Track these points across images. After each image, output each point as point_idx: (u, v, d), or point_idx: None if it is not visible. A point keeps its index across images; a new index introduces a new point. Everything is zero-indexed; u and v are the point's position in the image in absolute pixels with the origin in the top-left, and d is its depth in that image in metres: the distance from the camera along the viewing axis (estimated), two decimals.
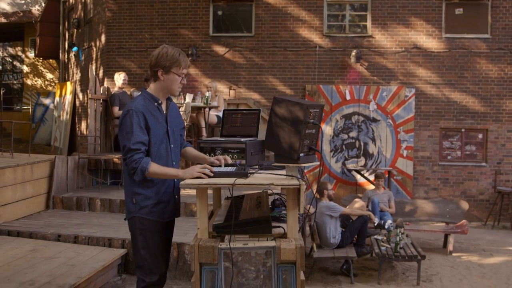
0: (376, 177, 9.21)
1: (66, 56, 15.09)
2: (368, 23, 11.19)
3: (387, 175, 10.75)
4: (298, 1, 11.31)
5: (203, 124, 8.49)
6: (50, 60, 16.70)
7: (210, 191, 3.57)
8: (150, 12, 11.80)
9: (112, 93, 8.47)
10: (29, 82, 17.39)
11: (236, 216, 3.06)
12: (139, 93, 8.72)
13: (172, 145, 3.34)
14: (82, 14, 13.79)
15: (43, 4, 15.99)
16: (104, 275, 4.76)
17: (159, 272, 3.25)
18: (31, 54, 17.26)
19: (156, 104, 3.26)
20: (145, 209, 3.19)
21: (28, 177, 6.60)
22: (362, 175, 10.82)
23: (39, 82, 17.34)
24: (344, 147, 11.19)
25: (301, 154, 2.77)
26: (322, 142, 11.14)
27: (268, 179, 2.85)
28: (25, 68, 17.54)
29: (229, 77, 11.56)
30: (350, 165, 11.08)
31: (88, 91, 8.57)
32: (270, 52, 11.45)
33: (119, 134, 3.18)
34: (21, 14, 17.14)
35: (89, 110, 8.55)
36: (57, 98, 14.63)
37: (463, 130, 11.06)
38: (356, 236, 7.40)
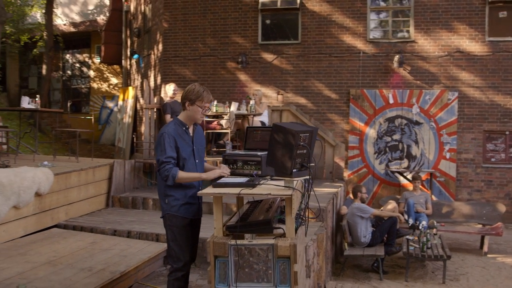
0: (413, 179, 9.60)
1: (128, 62, 16.21)
2: (411, 29, 11.50)
3: (429, 177, 11.07)
4: (342, 8, 11.78)
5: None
6: (114, 66, 17.92)
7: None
8: (203, 22, 12.62)
9: (165, 102, 9.31)
10: (95, 86, 18.72)
11: (247, 218, 3.72)
12: None
13: (197, 160, 4.10)
14: (142, 24, 14.83)
15: (108, 14, 17.19)
16: (151, 265, 5.54)
17: (184, 260, 4.00)
18: (97, 61, 18.56)
19: (184, 128, 4.04)
20: (174, 208, 3.98)
21: (90, 179, 7.54)
22: (405, 177, 11.16)
23: (104, 86, 18.63)
24: (387, 149, 11.57)
25: (294, 170, 3.40)
26: (366, 144, 11.59)
27: (269, 189, 3.49)
28: (92, 73, 18.88)
29: (277, 83, 12.19)
30: (393, 167, 11.45)
31: (143, 101, 9.45)
32: (316, 58, 11.98)
33: (155, 150, 3.99)
34: (88, 23, 18.49)
35: (144, 118, 9.44)
36: (120, 102, 15.74)
37: (507, 132, 11.17)
38: (386, 236, 7.86)
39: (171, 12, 12.83)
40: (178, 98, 10.96)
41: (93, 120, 9.84)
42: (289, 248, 3.39)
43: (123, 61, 16.45)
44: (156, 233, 6.15)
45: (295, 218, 3.86)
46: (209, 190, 3.58)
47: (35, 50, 18.47)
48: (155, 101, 9.98)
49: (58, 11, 18.46)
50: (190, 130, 4.12)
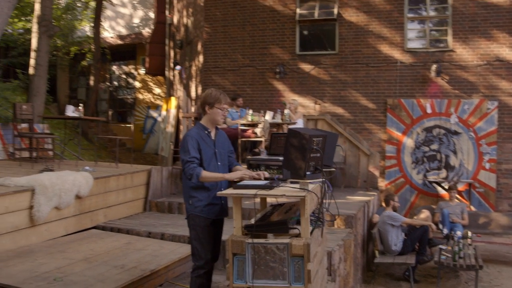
0: (449, 188, 9.53)
1: (171, 73, 16.69)
2: (449, 38, 11.44)
3: (468, 188, 10.95)
4: (379, 19, 11.84)
5: None
6: (158, 76, 18.47)
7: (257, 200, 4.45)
8: (242, 34, 12.93)
9: None
10: (140, 96, 19.33)
11: (266, 219, 3.91)
12: (229, 110, 9.81)
13: (219, 163, 4.31)
14: (184, 36, 15.28)
15: (152, 27, 17.77)
16: (182, 266, 5.77)
17: (205, 258, 4.22)
18: (142, 72, 19.19)
19: (206, 132, 4.28)
20: (198, 208, 4.20)
21: (129, 184, 7.88)
22: (442, 187, 11.06)
23: (149, 96, 19.22)
24: (425, 159, 11.50)
25: (308, 173, 3.57)
26: (403, 154, 11.57)
27: (284, 191, 3.67)
28: (137, 84, 19.52)
29: (315, 93, 12.33)
30: (431, 177, 11.36)
31: (181, 110, 9.80)
32: (353, 68, 12.07)
33: (180, 151, 4.24)
34: (134, 36, 19.16)
35: (181, 126, 9.77)
36: (163, 112, 16.22)
37: None
38: (418, 244, 7.86)
39: (211, 24, 13.21)
40: None
41: (132, 128, 10.25)
42: (302, 247, 3.54)
43: (166, 72, 16.94)
44: (188, 236, 6.38)
45: (313, 220, 4.03)
46: (228, 191, 3.79)
47: (83, 62, 19.28)
48: (193, 110, 10.32)
49: (105, 24, 19.21)
50: (212, 134, 4.34)
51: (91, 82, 17.89)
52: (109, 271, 4.93)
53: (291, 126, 9.68)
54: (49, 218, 6.02)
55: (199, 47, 13.63)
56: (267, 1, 12.67)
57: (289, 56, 12.54)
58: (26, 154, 8.67)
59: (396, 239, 7.75)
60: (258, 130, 8.85)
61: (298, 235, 3.73)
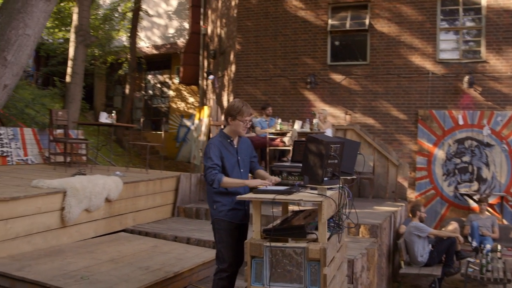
0: (479, 201, 9.40)
1: (204, 83, 16.98)
2: (482, 48, 11.31)
3: (501, 201, 10.76)
4: (411, 29, 11.81)
5: None
6: (192, 86, 18.79)
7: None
8: (274, 44, 13.08)
9: None
10: (174, 105, 19.68)
11: (286, 224, 4.00)
12: (258, 119, 9.95)
13: (242, 170, 4.44)
14: (217, 46, 15.54)
15: (187, 37, 18.13)
16: (206, 270, 5.88)
17: (228, 261, 4.34)
18: (176, 81, 19.56)
19: (228, 140, 4.42)
20: (222, 213, 4.33)
21: (158, 190, 8.07)
22: (474, 200, 10.90)
23: (182, 105, 19.55)
24: (456, 171, 11.36)
25: (325, 179, 3.65)
26: (434, 165, 11.45)
27: (302, 197, 3.75)
28: (171, 93, 19.89)
29: (345, 103, 12.36)
30: (463, 189, 11.21)
31: (210, 118, 9.97)
32: (384, 79, 12.05)
33: (203, 158, 4.35)
34: (169, 46, 19.57)
35: (211, 134, 9.95)
36: (196, 121, 16.47)
37: None
38: (444, 256, 7.78)
39: (243, 34, 13.40)
40: None
41: (163, 135, 10.44)
42: (319, 252, 3.61)
43: (200, 82, 17.26)
44: (213, 241, 6.51)
45: (331, 225, 4.09)
46: (248, 195, 3.90)
47: (120, 71, 19.79)
48: (223, 118, 10.48)
49: (141, 34, 19.69)
50: (235, 142, 4.46)
51: (127, 91, 18.33)
52: (134, 271, 5.08)
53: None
54: (80, 220, 6.24)
55: (232, 57, 13.84)
56: (299, 12, 12.80)
57: (320, 67, 12.60)
58: (60, 158, 8.97)
59: (422, 250, 7.69)
60: (286, 139, 8.93)
61: (315, 240, 3.80)
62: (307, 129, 9.40)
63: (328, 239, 3.83)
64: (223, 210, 4.33)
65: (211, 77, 15.68)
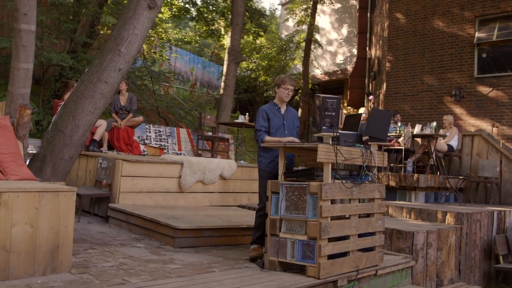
0: None
1: (368, 104, 17.78)
2: None
3: None
4: None
5: (431, 150, 9.72)
6: (359, 108, 19.67)
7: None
8: (421, 61, 13.48)
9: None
10: None
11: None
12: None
13: (286, 131, 5.38)
14: (377, 68, 16.34)
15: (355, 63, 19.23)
16: None
17: (264, 202, 5.29)
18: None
19: (276, 107, 5.43)
20: (263, 164, 5.35)
21: None
22: None
23: None
24: None
25: (323, 127, 4.53)
26: None
27: (307, 144, 4.69)
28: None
29: (492, 115, 12.15)
30: None
31: None
32: None
33: (255, 121, 5.46)
34: (339, 72, 20.84)
35: None
36: None
37: None
38: None
39: (393, 53, 14.06)
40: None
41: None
42: (317, 187, 4.46)
43: (365, 103, 18.10)
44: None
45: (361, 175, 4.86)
46: (271, 140, 4.98)
47: (296, 97, 21.61)
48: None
49: (315, 63, 21.31)
50: (282, 110, 5.47)
51: (299, 114, 20.00)
52: (215, 221, 6.30)
53: (443, 141, 9.98)
54: (196, 189, 7.73)
55: (384, 76, 14.53)
56: (446, 27, 13.04)
57: (466, 80, 12.62)
58: (208, 155, 10.73)
59: None
60: (400, 140, 9.44)
61: (321, 181, 4.66)
62: (427, 132, 9.72)
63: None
64: (265, 162, 5.33)
65: (370, 97, 16.48)
